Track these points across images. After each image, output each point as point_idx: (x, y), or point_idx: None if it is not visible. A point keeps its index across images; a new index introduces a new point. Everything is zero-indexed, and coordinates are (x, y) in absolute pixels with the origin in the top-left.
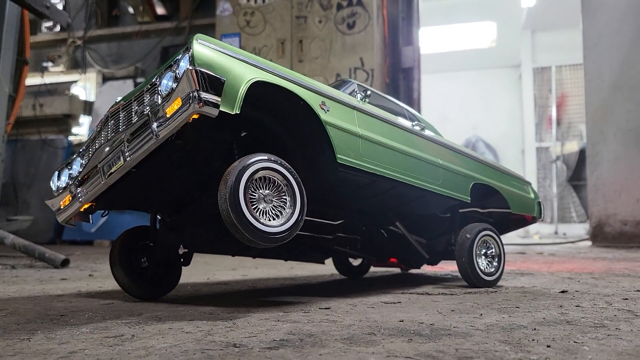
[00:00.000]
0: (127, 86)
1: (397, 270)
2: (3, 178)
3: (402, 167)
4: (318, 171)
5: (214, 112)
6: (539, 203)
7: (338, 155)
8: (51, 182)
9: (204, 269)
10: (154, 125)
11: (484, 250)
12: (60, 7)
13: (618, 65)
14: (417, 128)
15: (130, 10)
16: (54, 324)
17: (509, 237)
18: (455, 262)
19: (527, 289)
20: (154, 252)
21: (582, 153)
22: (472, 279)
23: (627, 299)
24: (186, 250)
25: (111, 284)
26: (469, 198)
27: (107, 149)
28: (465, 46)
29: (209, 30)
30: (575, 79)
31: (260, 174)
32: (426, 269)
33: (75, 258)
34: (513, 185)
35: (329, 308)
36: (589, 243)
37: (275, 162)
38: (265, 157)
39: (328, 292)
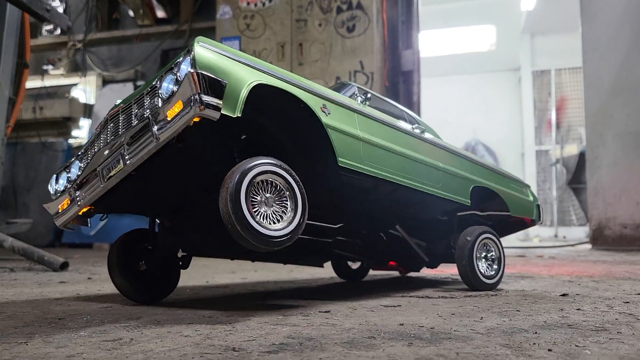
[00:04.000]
0: (127, 89)
1: (396, 273)
2: (3, 181)
3: (403, 170)
4: (319, 174)
5: (215, 115)
6: (538, 206)
7: (339, 159)
8: (49, 185)
9: (203, 272)
10: (155, 128)
11: (484, 253)
12: (60, 10)
13: (617, 69)
14: (417, 131)
15: (131, 13)
16: (52, 327)
17: (508, 240)
18: (454, 264)
19: (527, 292)
20: (153, 255)
21: (581, 156)
22: (472, 282)
23: (628, 302)
24: (185, 254)
25: (110, 287)
26: (469, 201)
27: (107, 152)
28: (465, 50)
29: (209, 33)
30: (574, 83)
31: (262, 177)
32: (425, 272)
33: (74, 261)
34: (512, 187)
35: (328, 311)
36: (589, 246)
37: (277, 165)
38: (267, 161)
39: (328, 295)
